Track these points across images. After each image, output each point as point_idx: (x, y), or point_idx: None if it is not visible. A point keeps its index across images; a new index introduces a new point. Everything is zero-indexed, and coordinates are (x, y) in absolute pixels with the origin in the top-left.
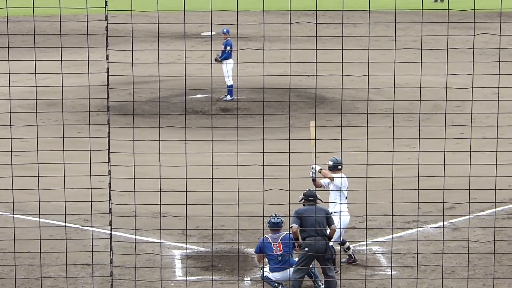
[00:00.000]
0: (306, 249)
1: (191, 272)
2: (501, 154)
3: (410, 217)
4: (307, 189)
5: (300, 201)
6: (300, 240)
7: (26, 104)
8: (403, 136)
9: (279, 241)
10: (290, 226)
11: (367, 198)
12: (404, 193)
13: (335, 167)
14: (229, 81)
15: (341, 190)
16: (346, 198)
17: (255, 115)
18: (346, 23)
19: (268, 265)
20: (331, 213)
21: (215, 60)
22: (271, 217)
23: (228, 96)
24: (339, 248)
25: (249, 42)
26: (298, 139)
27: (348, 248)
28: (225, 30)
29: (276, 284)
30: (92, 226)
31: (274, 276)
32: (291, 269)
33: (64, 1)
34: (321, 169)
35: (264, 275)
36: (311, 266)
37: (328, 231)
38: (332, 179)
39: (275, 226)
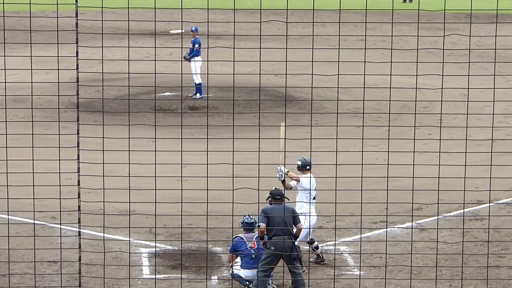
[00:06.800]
0: (272, 248)
1: (158, 270)
2: (469, 155)
3: (377, 218)
4: (274, 188)
5: (267, 199)
6: (266, 239)
7: None
8: (371, 136)
9: (253, 240)
10: (257, 225)
11: (335, 198)
12: (372, 194)
13: (304, 167)
14: (198, 79)
15: (310, 189)
16: (314, 198)
17: (223, 113)
18: (316, 23)
19: (239, 263)
20: (299, 213)
21: (184, 58)
22: (245, 217)
23: (198, 94)
24: (307, 247)
25: (218, 41)
26: (266, 138)
27: (317, 247)
28: (193, 28)
29: (247, 282)
30: (60, 224)
31: (245, 273)
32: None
33: None
34: (288, 171)
35: (235, 273)
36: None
37: (294, 230)
38: (298, 180)
39: (249, 226)
